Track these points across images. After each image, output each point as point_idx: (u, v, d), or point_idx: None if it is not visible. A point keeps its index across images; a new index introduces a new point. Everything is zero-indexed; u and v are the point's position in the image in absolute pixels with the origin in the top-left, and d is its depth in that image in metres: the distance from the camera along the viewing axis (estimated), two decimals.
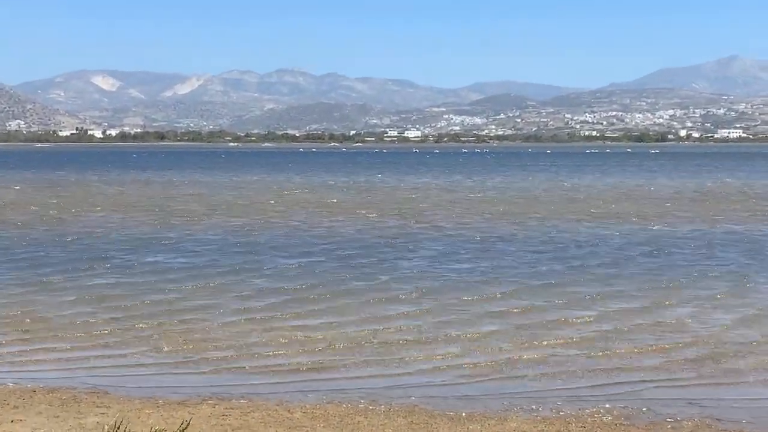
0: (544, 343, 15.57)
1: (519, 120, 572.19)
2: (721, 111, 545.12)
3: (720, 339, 15.83)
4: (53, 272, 23.57)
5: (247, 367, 14.04)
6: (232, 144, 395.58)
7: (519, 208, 45.73)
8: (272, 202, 50.83)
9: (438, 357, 14.65)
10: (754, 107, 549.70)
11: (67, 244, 30.17)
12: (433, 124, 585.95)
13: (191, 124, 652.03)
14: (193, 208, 45.06)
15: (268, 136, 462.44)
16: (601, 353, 14.88)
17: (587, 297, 19.85)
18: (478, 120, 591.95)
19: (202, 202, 50.84)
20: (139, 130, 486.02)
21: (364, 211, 42.77)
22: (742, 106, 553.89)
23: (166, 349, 15.15)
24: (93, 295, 19.95)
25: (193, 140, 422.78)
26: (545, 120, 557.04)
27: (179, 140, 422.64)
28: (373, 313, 18.21)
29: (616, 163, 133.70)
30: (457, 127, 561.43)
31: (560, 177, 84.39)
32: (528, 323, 17.22)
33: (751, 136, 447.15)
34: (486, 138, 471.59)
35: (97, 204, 48.45)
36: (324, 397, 12.29)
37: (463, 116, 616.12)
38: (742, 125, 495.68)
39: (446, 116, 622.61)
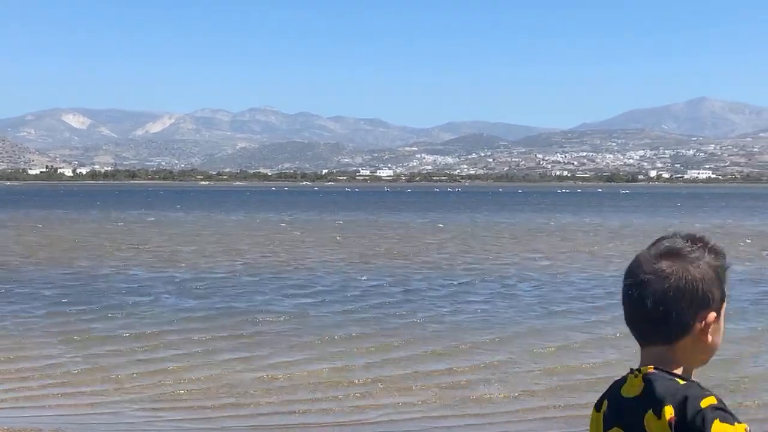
0: None
1: (491, 159, 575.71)
2: (691, 152, 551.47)
3: None
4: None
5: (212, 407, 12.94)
6: (203, 182, 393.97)
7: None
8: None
9: None
10: (723, 148, 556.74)
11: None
12: (405, 164, 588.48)
13: (162, 163, 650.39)
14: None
15: (240, 175, 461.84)
16: None
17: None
18: (450, 159, 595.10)
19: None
20: (109, 168, 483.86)
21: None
22: (711, 147, 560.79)
23: (134, 390, 14.06)
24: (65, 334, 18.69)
25: (164, 179, 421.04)
26: (517, 160, 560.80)
27: (150, 179, 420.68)
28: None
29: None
30: (429, 167, 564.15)
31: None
32: None
33: (720, 177, 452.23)
34: (458, 177, 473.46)
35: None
36: None
37: (435, 155, 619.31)
38: (712, 166, 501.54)
39: (418, 155, 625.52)
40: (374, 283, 27.18)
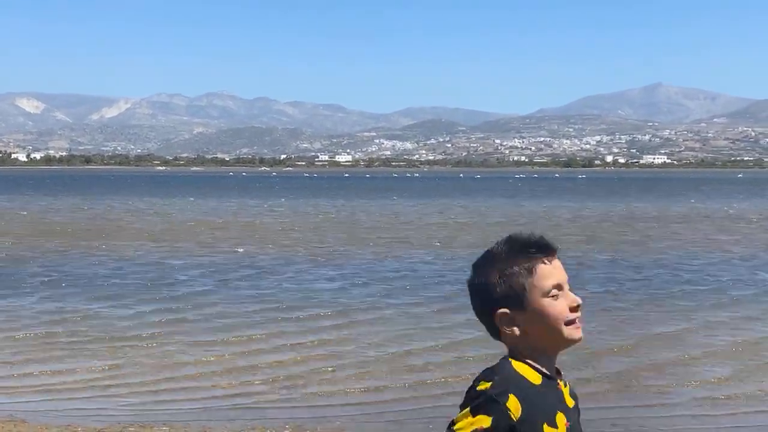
0: None
1: (449, 145, 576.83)
2: (647, 137, 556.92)
3: None
4: None
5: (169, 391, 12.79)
6: (160, 168, 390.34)
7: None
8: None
9: None
10: (678, 133, 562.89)
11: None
12: (364, 149, 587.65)
13: (118, 148, 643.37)
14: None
15: (197, 160, 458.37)
16: None
17: None
18: (408, 145, 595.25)
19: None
20: (64, 154, 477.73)
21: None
22: (666, 133, 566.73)
23: (90, 374, 13.82)
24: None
25: (120, 164, 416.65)
26: (475, 145, 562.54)
27: (106, 164, 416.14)
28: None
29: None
30: (388, 152, 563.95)
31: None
32: None
33: (675, 162, 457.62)
34: (417, 163, 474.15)
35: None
36: (248, 424, 11.10)
37: (394, 141, 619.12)
38: (667, 151, 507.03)
39: (377, 141, 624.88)
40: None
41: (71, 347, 15.35)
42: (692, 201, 73.82)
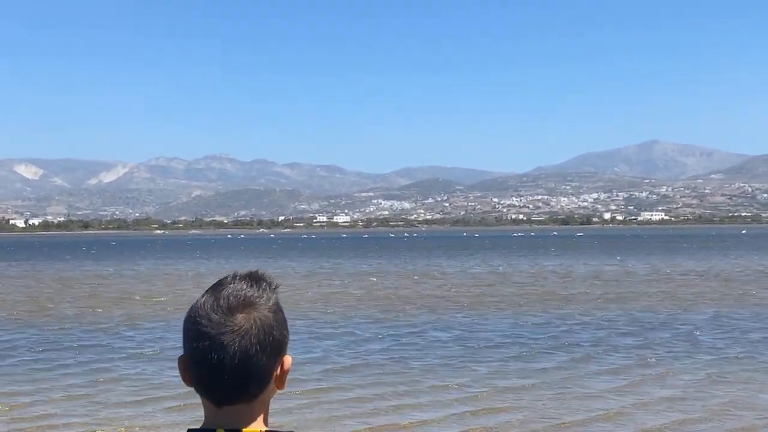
0: None
1: (447, 204, 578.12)
2: (644, 194, 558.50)
3: None
4: None
5: None
6: (158, 231, 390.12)
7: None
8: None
9: None
10: (675, 190, 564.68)
11: None
12: (362, 209, 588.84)
13: (117, 212, 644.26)
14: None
15: (195, 223, 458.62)
16: None
17: None
18: (406, 204, 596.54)
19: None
20: (62, 219, 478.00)
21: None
22: (663, 189, 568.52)
23: None
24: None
25: (118, 228, 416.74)
26: (473, 204, 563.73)
27: (104, 228, 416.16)
28: None
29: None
30: (386, 212, 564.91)
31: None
32: None
33: (672, 218, 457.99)
34: (415, 222, 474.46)
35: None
36: None
37: (392, 201, 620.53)
38: (664, 208, 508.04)
39: (375, 201, 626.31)
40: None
41: None
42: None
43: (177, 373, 2.08)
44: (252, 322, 2.01)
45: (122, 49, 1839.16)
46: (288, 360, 2.09)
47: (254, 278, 2.09)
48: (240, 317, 2.01)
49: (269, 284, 2.09)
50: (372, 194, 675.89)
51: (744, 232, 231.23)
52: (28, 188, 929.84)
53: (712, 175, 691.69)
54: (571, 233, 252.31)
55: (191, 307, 2.06)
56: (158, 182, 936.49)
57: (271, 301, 2.07)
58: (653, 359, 19.81)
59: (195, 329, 2.02)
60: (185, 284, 47.09)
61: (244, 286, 2.05)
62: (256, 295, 2.05)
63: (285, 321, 2.10)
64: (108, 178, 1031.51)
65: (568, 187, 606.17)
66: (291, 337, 2.01)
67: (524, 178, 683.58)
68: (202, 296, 2.05)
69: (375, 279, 49.99)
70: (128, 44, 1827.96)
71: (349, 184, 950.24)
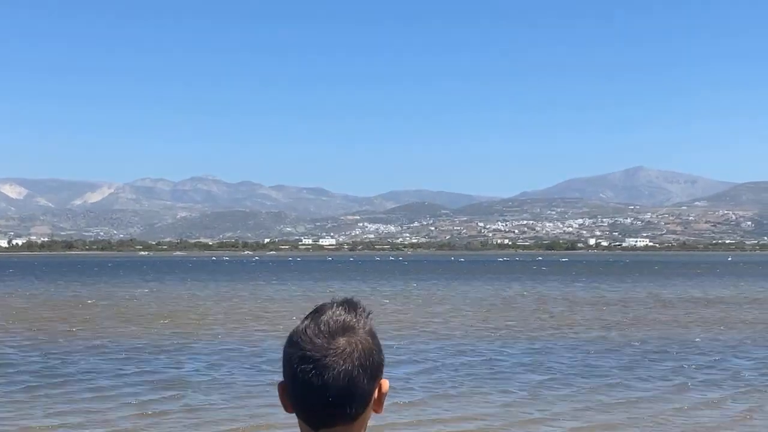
0: None
1: (433, 228, 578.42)
2: (628, 220, 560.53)
3: None
4: None
5: None
6: (142, 252, 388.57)
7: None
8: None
9: None
10: (660, 216, 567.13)
11: None
12: (348, 232, 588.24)
13: (101, 233, 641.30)
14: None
15: (180, 245, 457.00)
16: None
17: None
18: (392, 228, 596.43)
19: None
20: (46, 239, 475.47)
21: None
22: (648, 216, 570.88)
23: None
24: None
25: (102, 249, 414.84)
26: (458, 228, 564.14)
27: (88, 249, 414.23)
28: None
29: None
30: (372, 235, 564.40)
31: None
32: None
33: (657, 245, 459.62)
34: (400, 246, 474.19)
35: None
36: None
37: (378, 224, 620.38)
38: (649, 234, 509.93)
39: (361, 224, 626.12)
40: None
41: None
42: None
43: None
44: (354, 345, 2.13)
45: (109, 67, 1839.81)
46: (386, 383, 2.20)
47: (350, 305, 2.21)
48: (342, 341, 2.13)
49: (363, 310, 2.22)
50: (358, 217, 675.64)
51: (730, 259, 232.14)
52: (13, 208, 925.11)
53: (696, 203, 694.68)
54: (556, 258, 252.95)
55: (292, 333, 2.18)
56: (143, 203, 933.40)
57: (367, 326, 2.20)
58: None
59: (299, 354, 2.13)
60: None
61: (342, 312, 2.18)
62: (354, 320, 2.17)
63: (381, 346, 2.22)
64: (93, 198, 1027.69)
65: (553, 213, 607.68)
66: None
67: (510, 203, 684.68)
68: (302, 322, 2.18)
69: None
70: (114, 63, 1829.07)
71: (335, 207, 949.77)
